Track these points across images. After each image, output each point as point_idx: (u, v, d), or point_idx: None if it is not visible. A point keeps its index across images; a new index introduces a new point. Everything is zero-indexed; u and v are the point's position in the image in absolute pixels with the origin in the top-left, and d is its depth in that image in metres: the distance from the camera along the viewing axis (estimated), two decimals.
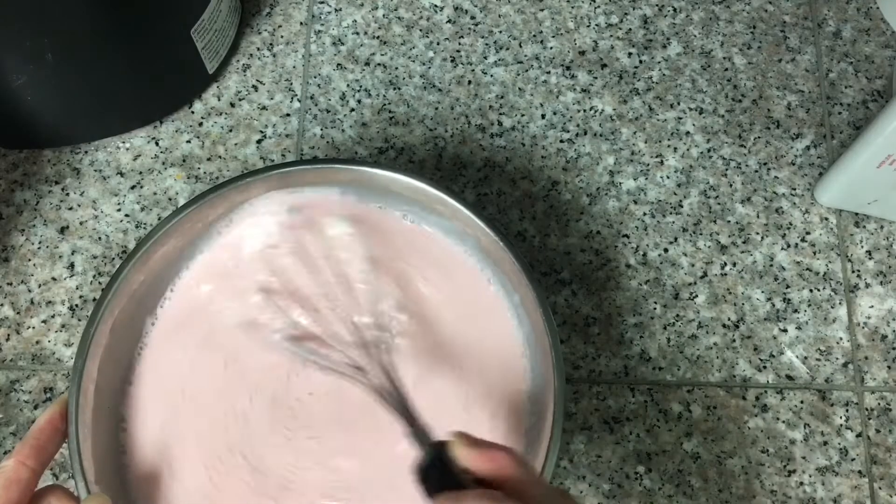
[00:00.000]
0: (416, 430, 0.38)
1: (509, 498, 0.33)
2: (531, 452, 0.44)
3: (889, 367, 0.56)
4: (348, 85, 0.63)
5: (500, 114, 0.62)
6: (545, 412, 0.43)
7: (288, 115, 0.61)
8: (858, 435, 0.54)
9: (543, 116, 0.62)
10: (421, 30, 0.65)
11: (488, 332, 0.48)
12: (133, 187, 0.59)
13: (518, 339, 0.47)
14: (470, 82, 0.63)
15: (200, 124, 0.61)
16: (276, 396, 0.46)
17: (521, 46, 0.64)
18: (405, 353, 0.46)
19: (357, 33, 0.64)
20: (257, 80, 0.62)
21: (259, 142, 0.60)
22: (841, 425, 0.54)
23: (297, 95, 0.62)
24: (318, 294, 0.47)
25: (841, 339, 0.56)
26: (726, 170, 0.61)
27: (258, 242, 0.49)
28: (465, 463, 0.34)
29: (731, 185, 0.60)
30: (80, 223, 0.58)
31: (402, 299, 0.48)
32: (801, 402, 0.55)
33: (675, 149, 0.61)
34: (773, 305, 0.57)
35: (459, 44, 0.64)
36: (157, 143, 0.60)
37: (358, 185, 0.49)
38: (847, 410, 0.55)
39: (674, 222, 0.59)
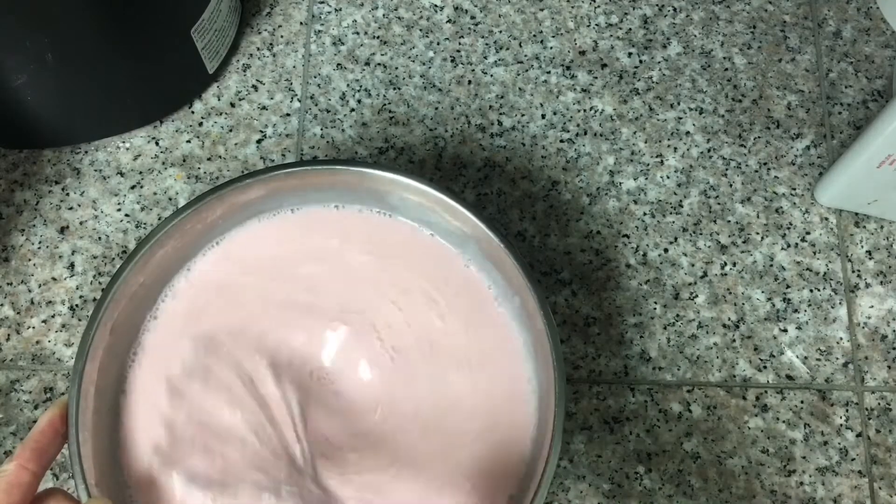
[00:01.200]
0: None
1: None
2: (532, 453, 0.44)
3: (889, 367, 0.56)
4: (348, 85, 0.63)
5: (500, 114, 0.62)
6: (546, 413, 0.43)
7: (288, 114, 0.61)
8: (858, 435, 0.54)
9: (543, 116, 0.62)
10: (421, 30, 0.65)
11: (489, 338, 0.48)
12: (133, 187, 0.59)
13: (520, 342, 0.47)
14: (470, 82, 0.63)
15: (200, 124, 0.61)
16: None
17: (521, 46, 0.64)
18: (406, 366, 0.46)
19: (357, 33, 0.64)
20: (257, 80, 0.62)
21: (259, 142, 0.60)
22: (841, 425, 0.54)
23: (297, 95, 0.62)
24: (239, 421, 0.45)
25: (841, 339, 0.56)
26: (726, 170, 0.61)
27: (252, 263, 0.48)
28: None
29: (731, 185, 0.60)
30: (80, 223, 0.58)
31: (390, 329, 0.47)
32: (802, 402, 0.55)
33: (675, 149, 0.61)
34: (773, 305, 0.57)
35: (459, 44, 0.64)
36: (157, 143, 0.60)
37: (357, 185, 0.49)
38: (847, 410, 0.55)
39: (674, 222, 0.59)
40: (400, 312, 0.48)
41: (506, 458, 0.45)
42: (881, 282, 0.58)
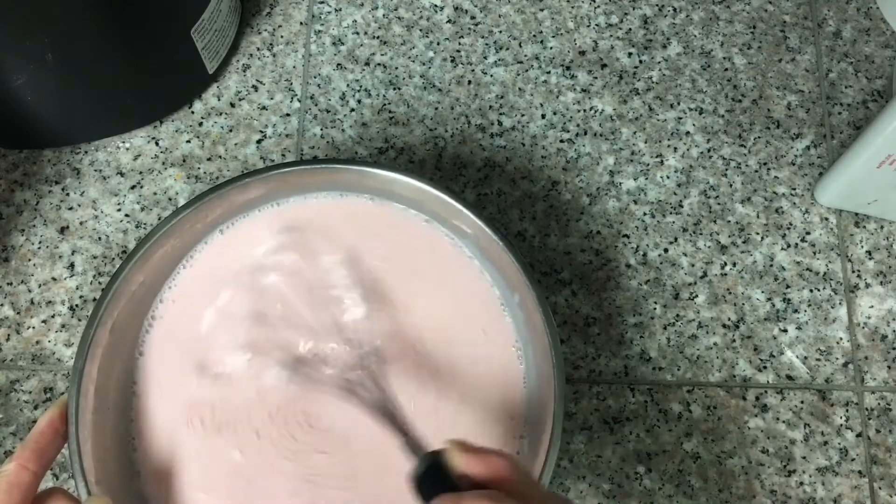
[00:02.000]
0: (410, 440, 0.38)
1: (509, 498, 0.33)
2: (531, 453, 0.44)
3: (889, 367, 0.56)
4: (348, 85, 0.63)
5: (500, 114, 0.62)
6: (545, 412, 0.43)
7: (288, 115, 0.61)
8: (858, 435, 0.54)
9: (543, 116, 0.62)
10: (421, 30, 0.65)
11: (489, 338, 0.48)
12: (133, 187, 0.59)
13: (516, 341, 0.47)
14: (470, 82, 0.63)
15: (200, 124, 0.61)
16: (279, 406, 0.46)
17: (521, 46, 0.64)
18: (399, 363, 0.46)
19: (357, 33, 0.64)
20: (257, 80, 0.62)
21: (259, 142, 0.60)
22: (841, 425, 0.54)
23: (297, 95, 0.62)
24: (311, 316, 0.47)
25: (841, 339, 0.56)
26: (726, 170, 0.61)
27: (251, 261, 0.48)
28: (462, 469, 0.34)
29: (731, 185, 0.60)
30: (80, 223, 0.58)
31: (403, 312, 0.48)
32: (801, 402, 0.55)
33: (675, 149, 0.61)
34: (773, 305, 0.57)
35: (459, 44, 0.64)
36: (157, 143, 0.60)
37: (357, 185, 0.49)
38: (847, 410, 0.55)
39: (674, 222, 0.59)
40: (414, 312, 0.48)
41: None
42: (881, 282, 0.58)
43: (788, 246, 0.59)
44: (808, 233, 0.59)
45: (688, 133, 0.62)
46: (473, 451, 0.35)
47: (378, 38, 0.64)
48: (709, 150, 0.61)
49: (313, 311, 0.47)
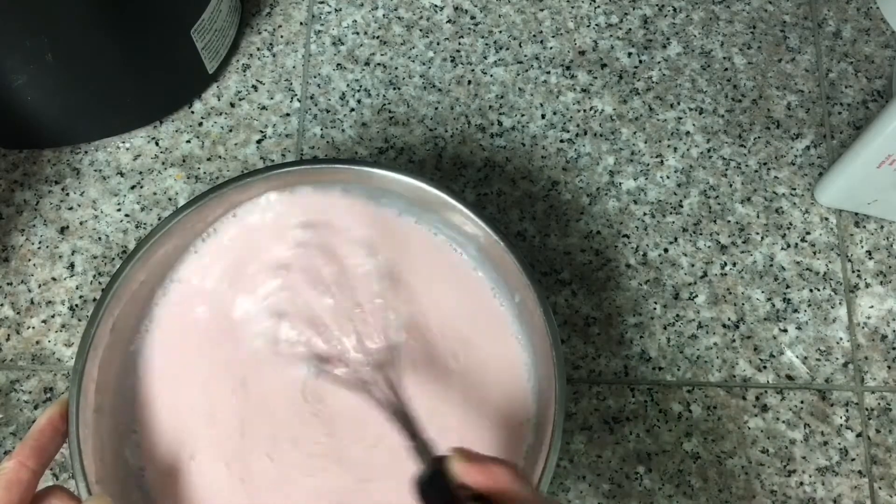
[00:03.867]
0: (418, 444, 0.39)
1: None
2: (532, 454, 0.44)
3: (889, 367, 0.56)
4: (348, 85, 0.63)
5: (500, 114, 0.62)
6: (546, 412, 0.43)
7: (288, 115, 0.61)
8: (858, 435, 0.54)
9: (543, 116, 0.62)
10: (421, 30, 0.65)
11: (490, 339, 0.48)
12: (133, 187, 0.59)
13: (521, 344, 0.47)
14: (470, 82, 0.63)
15: (200, 124, 0.61)
16: (287, 396, 0.46)
17: (521, 46, 0.64)
18: (407, 364, 0.47)
19: (357, 33, 0.64)
20: (257, 80, 0.62)
21: (259, 142, 0.60)
22: (841, 425, 0.54)
23: (297, 95, 0.62)
24: (328, 313, 0.47)
25: (841, 339, 0.56)
26: (726, 170, 0.61)
27: (267, 254, 0.49)
28: (462, 478, 0.34)
29: (731, 185, 0.60)
30: (80, 223, 0.58)
31: (409, 313, 0.48)
32: (801, 402, 0.55)
33: (675, 149, 0.61)
34: (773, 305, 0.57)
35: (459, 44, 0.64)
36: (157, 143, 0.60)
37: (358, 186, 0.49)
38: (847, 410, 0.55)
39: (674, 222, 0.59)
40: (422, 313, 0.48)
41: (504, 458, 0.45)
42: (881, 282, 0.58)
43: (788, 246, 0.59)
44: (808, 233, 0.59)
45: (688, 133, 0.62)
46: (475, 460, 0.35)
47: (378, 38, 0.64)
48: (709, 150, 0.61)
49: (330, 306, 0.47)
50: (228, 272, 0.48)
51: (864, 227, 0.60)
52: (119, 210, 0.58)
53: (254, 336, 0.47)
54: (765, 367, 0.55)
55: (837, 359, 0.56)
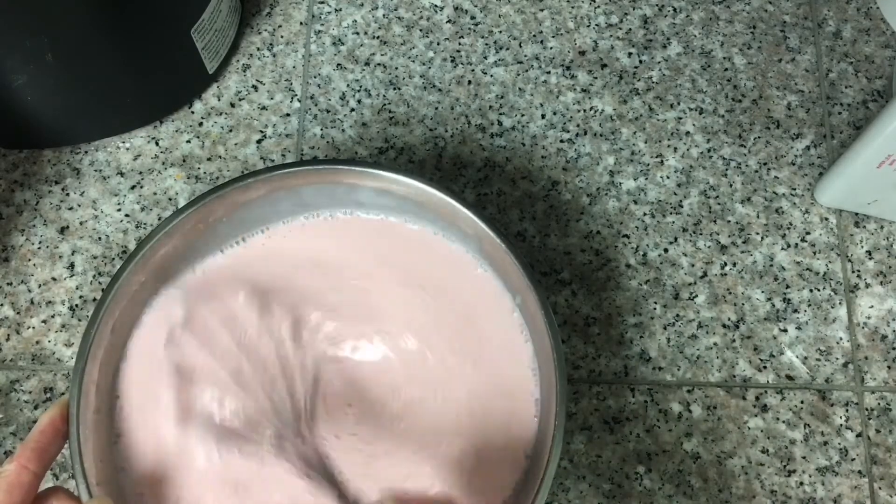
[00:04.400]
0: (343, 499, 0.38)
1: None
2: (533, 454, 0.44)
3: (889, 367, 0.56)
4: (348, 85, 0.63)
5: (500, 114, 0.62)
6: (547, 413, 0.43)
7: (288, 115, 0.61)
8: (858, 435, 0.54)
9: (543, 116, 0.62)
10: (421, 30, 0.65)
11: (491, 343, 0.48)
12: (133, 187, 0.59)
13: (521, 342, 0.47)
14: (470, 82, 0.63)
15: (200, 124, 0.61)
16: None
17: (521, 46, 0.64)
18: (400, 377, 0.46)
19: (357, 33, 0.64)
20: (257, 80, 0.62)
21: (259, 142, 0.60)
22: (841, 425, 0.54)
23: (297, 95, 0.62)
24: (236, 374, 0.45)
25: (841, 339, 0.56)
26: (726, 170, 0.61)
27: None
28: None
29: (731, 185, 0.60)
30: (80, 223, 0.58)
31: (393, 320, 0.47)
32: (801, 402, 0.55)
33: (675, 149, 0.61)
34: (773, 305, 0.57)
35: (459, 44, 0.64)
36: (157, 143, 0.60)
37: (358, 186, 0.49)
38: (847, 410, 0.55)
39: (674, 222, 0.59)
40: (402, 315, 0.48)
41: (505, 457, 0.45)
42: (881, 282, 0.58)
43: (788, 246, 0.59)
44: (808, 233, 0.59)
45: (688, 133, 0.62)
46: None
47: (378, 38, 0.64)
48: (709, 150, 0.61)
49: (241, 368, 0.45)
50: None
51: (864, 227, 0.60)
52: (119, 210, 0.58)
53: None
54: (765, 367, 0.55)
55: (837, 359, 0.56)
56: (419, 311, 0.48)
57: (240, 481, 0.42)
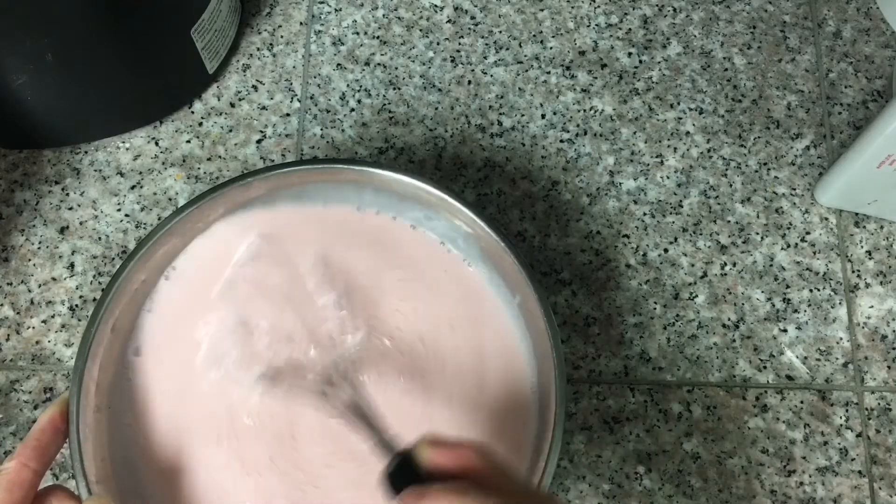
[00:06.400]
0: (381, 440, 0.38)
1: (476, 488, 0.32)
2: (533, 454, 0.44)
3: (889, 367, 0.56)
4: (348, 85, 0.63)
5: (500, 114, 0.62)
6: (547, 413, 0.43)
7: (288, 115, 0.61)
8: (858, 435, 0.54)
9: (543, 116, 0.62)
10: (421, 30, 0.65)
11: (489, 339, 0.48)
12: (133, 187, 0.59)
13: (521, 342, 0.47)
14: (470, 82, 0.63)
15: (200, 124, 0.61)
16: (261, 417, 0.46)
17: (521, 46, 0.64)
18: (393, 370, 0.46)
19: (357, 33, 0.64)
20: (257, 80, 0.62)
21: (259, 142, 0.60)
22: (841, 425, 0.54)
23: (297, 95, 0.62)
24: (288, 324, 0.46)
25: (841, 339, 0.56)
26: (726, 170, 0.61)
27: (225, 269, 0.48)
28: (431, 461, 0.34)
29: (731, 185, 0.60)
30: (80, 223, 0.58)
31: (369, 319, 0.48)
32: (801, 402, 0.55)
33: (675, 149, 0.61)
34: (773, 305, 0.57)
35: (459, 44, 0.64)
36: (157, 143, 0.60)
37: (358, 186, 0.49)
38: (847, 410, 0.55)
39: (674, 222, 0.59)
40: (402, 315, 0.48)
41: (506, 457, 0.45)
42: (881, 282, 0.58)
43: (788, 246, 0.59)
44: (808, 233, 0.59)
45: (688, 133, 0.62)
46: (443, 444, 0.34)
47: (378, 38, 0.64)
48: (709, 151, 0.61)
49: (289, 318, 0.47)
50: (191, 297, 0.48)
51: (864, 227, 0.60)
52: (119, 210, 0.58)
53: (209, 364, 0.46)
54: (765, 367, 0.55)
55: (837, 359, 0.56)
56: (420, 309, 0.48)
57: (283, 426, 0.44)
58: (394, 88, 0.62)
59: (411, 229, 0.50)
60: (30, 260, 0.57)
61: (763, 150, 0.62)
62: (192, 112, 0.61)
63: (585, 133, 0.62)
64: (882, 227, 0.59)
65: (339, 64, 0.63)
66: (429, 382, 0.46)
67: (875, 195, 0.57)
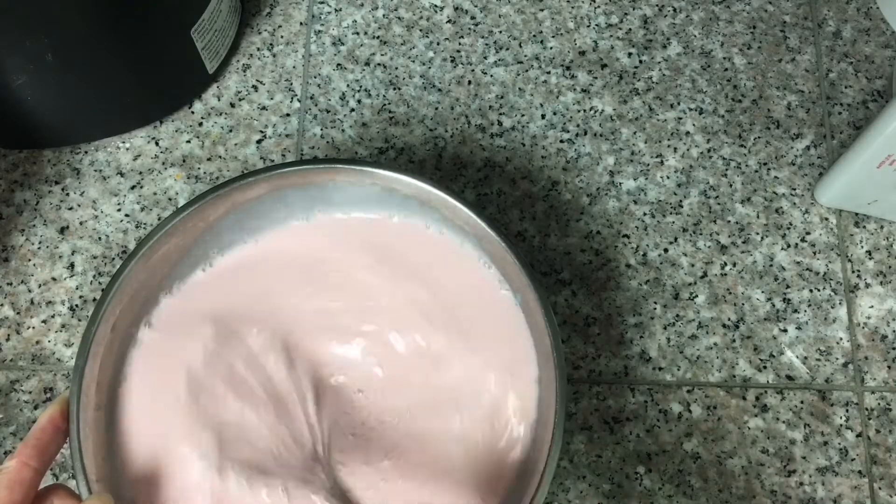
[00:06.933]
0: None
1: None
2: (533, 455, 0.44)
3: (889, 367, 0.56)
4: (348, 85, 0.63)
5: (500, 114, 0.62)
6: (546, 412, 0.43)
7: (288, 115, 0.61)
8: (858, 435, 0.54)
9: (543, 116, 0.62)
10: (421, 30, 0.65)
11: (492, 343, 0.47)
12: (133, 187, 0.59)
13: (524, 349, 0.47)
14: (470, 82, 0.63)
15: (200, 124, 0.61)
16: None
17: (521, 46, 0.64)
18: (412, 365, 0.46)
19: (357, 33, 0.64)
20: (257, 80, 0.62)
21: (259, 142, 0.60)
22: (841, 425, 0.54)
23: (297, 95, 0.62)
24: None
25: (841, 339, 0.56)
26: (726, 170, 0.61)
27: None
28: None
29: (731, 185, 0.60)
30: (80, 223, 0.58)
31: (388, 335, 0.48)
32: (801, 402, 0.55)
33: (675, 149, 0.61)
34: (773, 305, 0.57)
35: (459, 44, 0.64)
36: (157, 143, 0.60)
37: (358, 185, 0.49)
38: (847, 410, 0.55)
39: (674, 222, 0.59)
40: (403, 316, 0.48)
41: (506, 457, 0.45)
42: (881, 282, 0.58)
43: (788, 246, 0.59)
44: (808, 233, 0.59)
45: (688, 133, 0.62)
46: None
47: (378, 38, 0.64)
48: (709, 151, 0.61)
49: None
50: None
51: (864, 227, 0.60)
52: (119, 210, 0.58)
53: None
54: (765, 367, 0.55)
55: (837, 359, 0.56)
56: (419, 311, 0.48)
57: None
58: (394, 88, 0.63)
59: (413, 228, 0.50)
60: (30, 260, 0.57)
61: (763, 150, 0.62)
62: (193, 112, 0.61)
63: (585, 133, 0.62)
64: (882, 227, 0.60)
65: (339, 64, 0.63)
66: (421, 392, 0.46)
67: (875, 195, 0.57)
